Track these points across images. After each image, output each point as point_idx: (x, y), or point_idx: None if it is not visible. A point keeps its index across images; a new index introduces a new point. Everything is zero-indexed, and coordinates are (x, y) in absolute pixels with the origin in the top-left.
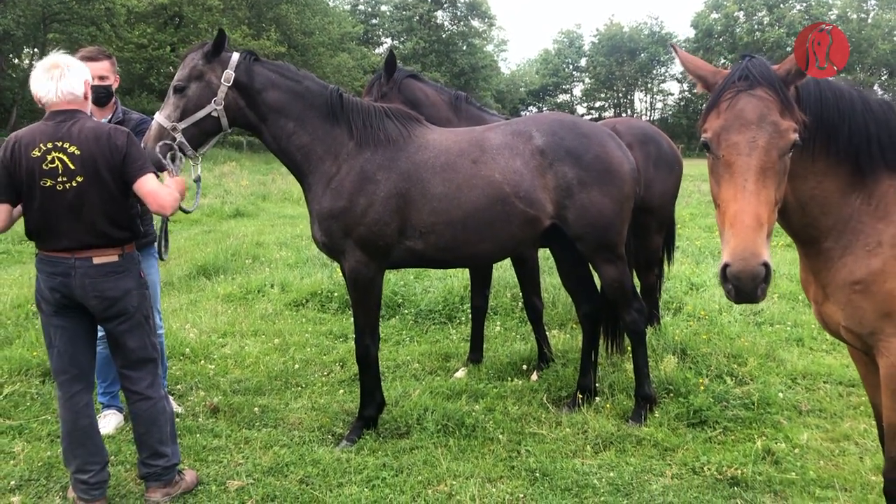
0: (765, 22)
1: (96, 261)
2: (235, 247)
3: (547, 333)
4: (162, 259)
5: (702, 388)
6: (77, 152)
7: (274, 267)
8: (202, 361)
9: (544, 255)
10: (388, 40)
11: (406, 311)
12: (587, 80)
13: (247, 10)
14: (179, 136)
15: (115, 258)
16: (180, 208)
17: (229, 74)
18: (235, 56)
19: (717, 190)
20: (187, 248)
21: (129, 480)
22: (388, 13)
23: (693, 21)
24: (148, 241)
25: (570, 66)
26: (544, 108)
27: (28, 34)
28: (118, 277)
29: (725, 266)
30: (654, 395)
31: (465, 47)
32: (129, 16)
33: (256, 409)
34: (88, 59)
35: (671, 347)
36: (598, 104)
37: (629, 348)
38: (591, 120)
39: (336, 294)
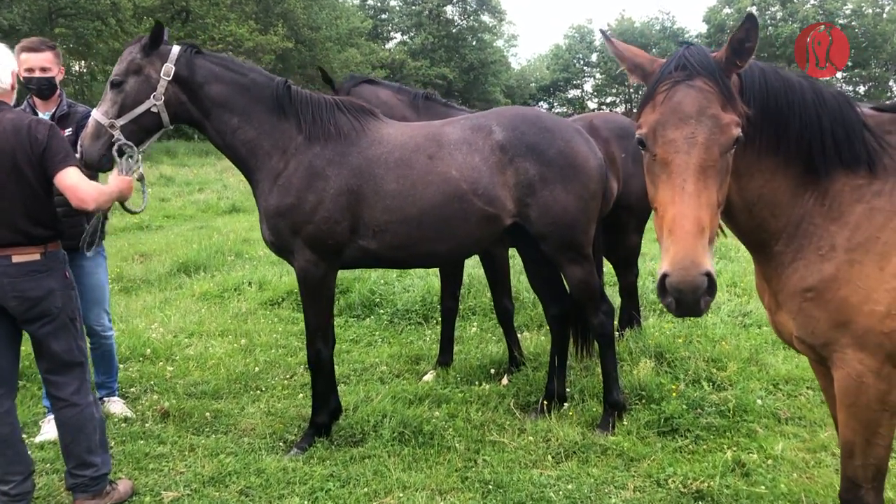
0: (778, 17)
1: (16, 259)
2: (220, 243)
3: (519, 336)
4: (86, 254)
5: (675, 394)
6: None
7: (256, 264)
8: (162, 363)
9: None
10: (398, 35)
11: (382, 312)
12: (598, 75)
13: (254, 4)
14: (117, 133)
15: (36, 256)
16: (124, 208)
17: (169, 68)
18: (176, 49)
19: (653, 192)
20: (175, 245)
21: (61, 490)
22: (397, 8)
23: (706, 16)
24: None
25: (581, 62)
26: (555, 104)
27: (34, 29)
28: (40, 277)
29: (664, 276)
30: (623, 402)
31: (474, 42)
32: (136, 10)
33: (208, 413)
34: (29, 49)
35: (648, 351)
36: (608, 99)
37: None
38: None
39: None
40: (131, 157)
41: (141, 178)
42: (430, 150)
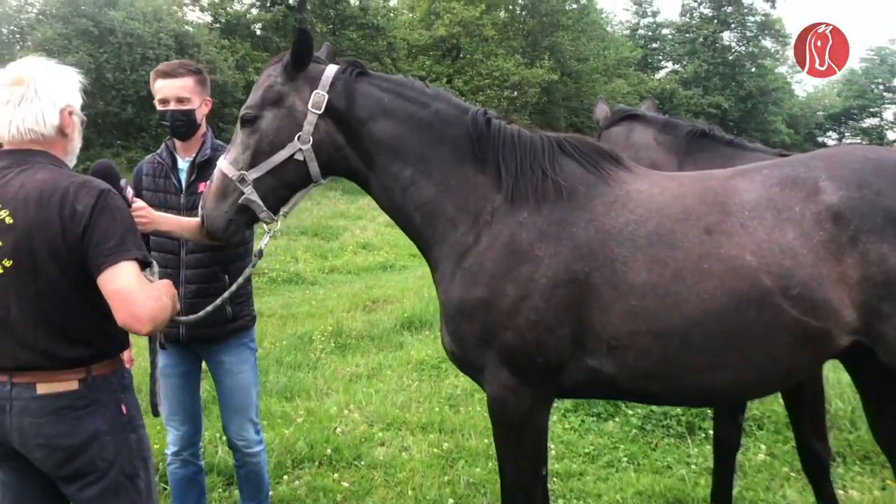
0: None
1: (41, 390)
2: None
3: (841, 495)
4: (156, 415)
5: None
6: (10, 221)
7: None
8: (339, 472)
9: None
10: (669, 64)
11: (631, 413)
12: None
13: (522, 39)
14: (248, 190)
15: (72, 386)
16: (175, 320)
17: (320, 97)
18: (331, 70)
19: None
20: (410, 292)
21: None
22: (669, 36)
23: None
24: (241, 325)
25: (881, 87)
26: (846, 134)
27: None
28: (78, 417)
29: None
30: None
31: (753, 69)
32: (410, 50)
33: None
34: (164, 74)
35: None
36: None
37: None
38: None
39: None
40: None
41: (259, 255)
42: (708, 218)
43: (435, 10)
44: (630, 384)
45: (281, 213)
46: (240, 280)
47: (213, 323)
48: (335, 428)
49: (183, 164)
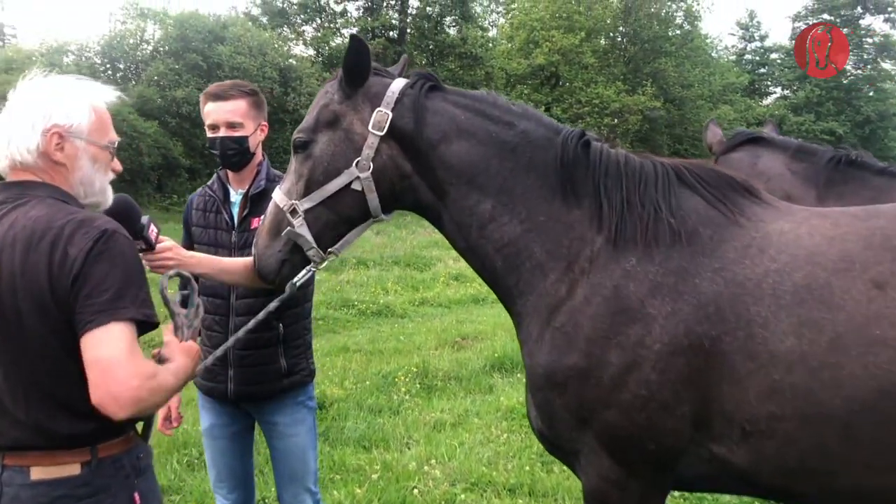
0: None
1: (36, 475)
2: None
3: None
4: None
5: None
6: None
7: None
8: None
9: None
10: (777, 90)
11: None
12: None
13: (623, 65)
14: (298, 222)
15: (74, 471)
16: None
17: (383, 116)
18: (397, 84)
19: None
20: (503, 328)
21: None
22: (778, 61)
23: None
24: (297, 381)
25: None
26: None
27: None
28: None
29: None
30: None
31: (871, 93)
32: (508, 79)
33: None
34: (213, 96)
35: None
36: None
37: None
38: None
39: None
40: (198, 306)
41: (294, 288)
42: (878, 268)
43: (534, 39)
44: (769, 480)
45: (333, 249)
46: (260, 316)
47: (264, 379)
48: (413, 487)
49: (235, 197)
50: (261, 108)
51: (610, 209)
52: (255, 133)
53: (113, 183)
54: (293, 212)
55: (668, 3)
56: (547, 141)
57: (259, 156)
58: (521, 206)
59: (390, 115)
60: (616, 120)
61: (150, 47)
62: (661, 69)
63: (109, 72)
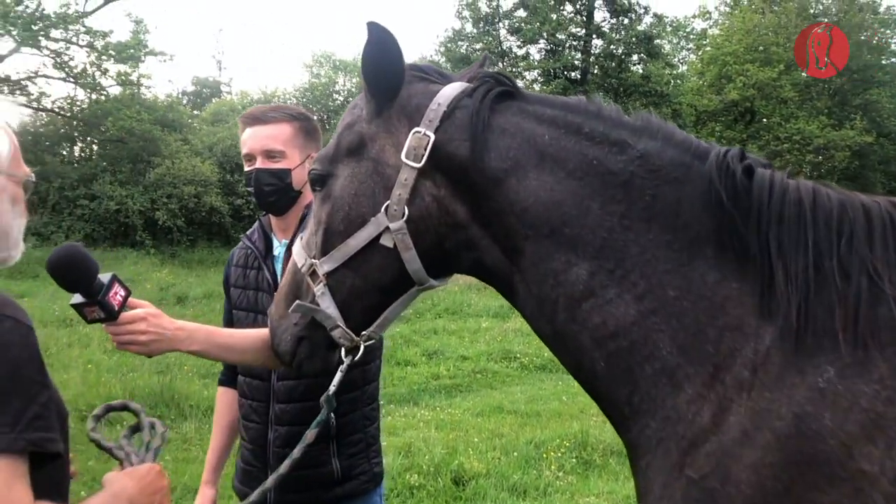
0: None
1: None
2: None
3: None
4: None
5: None
6: None
7: None
8: None
9: None
10: None
11: None
12: None
13: (828, 98)
14: (319, 290)
15: None
16: None
17: (421, 140)
18: (447, 92)
19: None
20: None
21: None
22: None
23: None
24: (356, 489)
25: None
26: None
27: None
28: None
29: None
30: None
31: None
32: (698, 116)
33: None
34: (251, 120)
35: None
36: None
37: None
38: None
39: None
40: (161, 432)
41: (331, 404)
42: None
43: (726, 74)
44: None
45: (369, 330)
46: (294, 454)
47: (311, 486)
48: None
49: (279, 249)
50: (311, 136)
51: (788, 280)
52: (303, 166)
53: None
54: (313, 274)
55: (883, 31)
56: (683, 169)
57: (309, 195)
58: (636, 273)
59: (432, 137)
60: (820, 157)
61: (342, 97)
62: (873, 101)
63: None
